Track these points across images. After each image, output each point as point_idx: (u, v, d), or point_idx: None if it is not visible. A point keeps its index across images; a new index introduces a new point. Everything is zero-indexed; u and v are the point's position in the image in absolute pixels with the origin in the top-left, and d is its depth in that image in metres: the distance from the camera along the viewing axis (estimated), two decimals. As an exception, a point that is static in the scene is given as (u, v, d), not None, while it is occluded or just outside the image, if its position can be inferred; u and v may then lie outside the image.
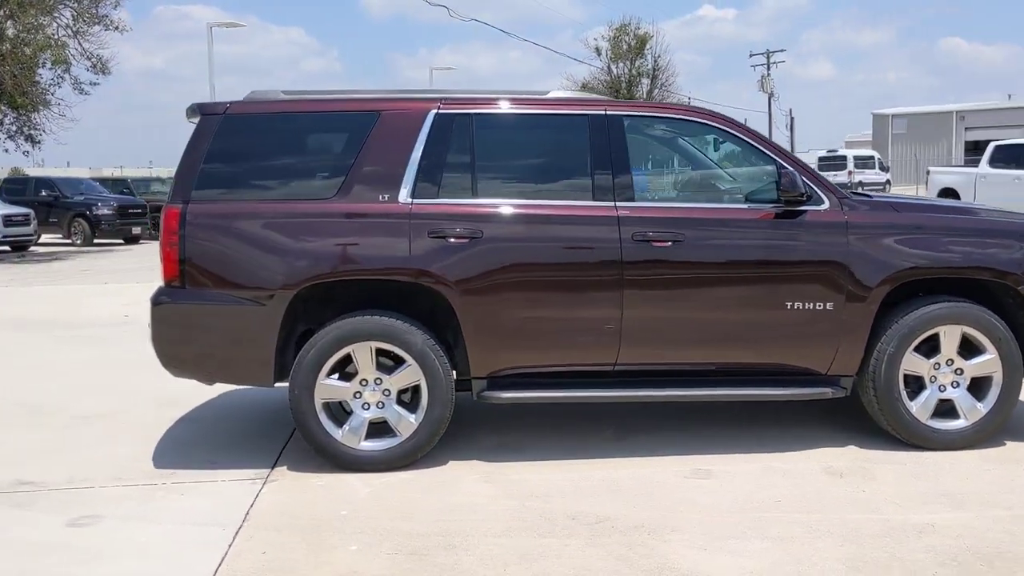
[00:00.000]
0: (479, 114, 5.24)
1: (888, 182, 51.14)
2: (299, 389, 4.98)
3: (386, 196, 5.08)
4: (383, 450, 5.06)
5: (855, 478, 4.86)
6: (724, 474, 4.94)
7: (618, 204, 5.13)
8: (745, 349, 5.22)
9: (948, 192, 21.00)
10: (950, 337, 5.25)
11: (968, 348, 5.30)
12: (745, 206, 5.27)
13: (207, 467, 5.17)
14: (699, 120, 5.42)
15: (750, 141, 5.39)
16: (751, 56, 62.87)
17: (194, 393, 6.38)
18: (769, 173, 5.27)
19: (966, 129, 65.18)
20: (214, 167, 5.10)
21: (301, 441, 5.20)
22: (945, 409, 5.32)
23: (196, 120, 5.19)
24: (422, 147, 5.12)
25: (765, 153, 5.35)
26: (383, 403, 5.08)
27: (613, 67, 55.73)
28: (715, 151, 6.32)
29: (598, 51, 55.44)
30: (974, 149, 61.19)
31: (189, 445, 5.65)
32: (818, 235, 5.17)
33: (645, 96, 54.12)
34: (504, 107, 5.30)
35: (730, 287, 5.16)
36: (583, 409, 6.16)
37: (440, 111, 5.19)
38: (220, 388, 6.52)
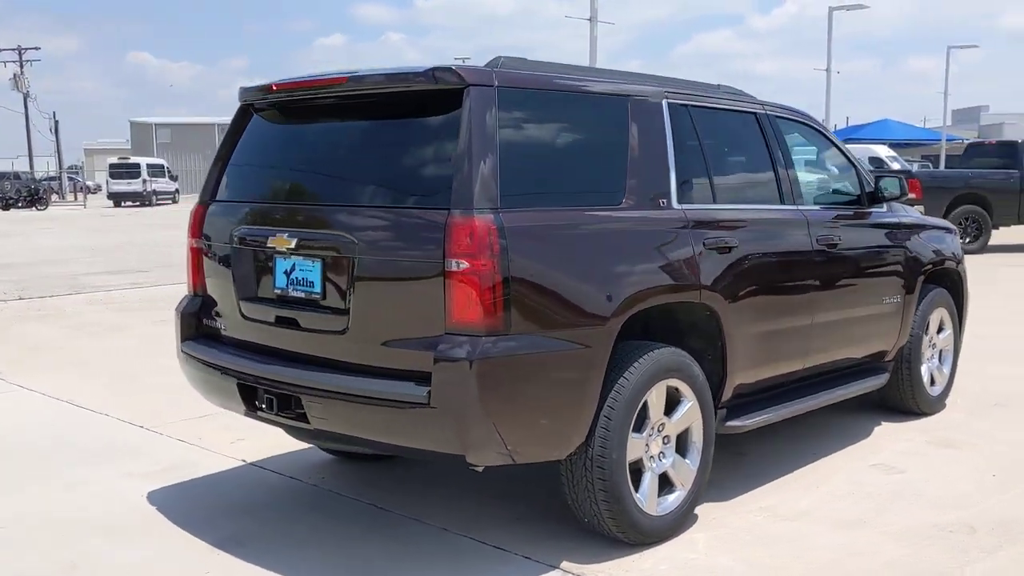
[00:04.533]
0: (699, 107, 4.57)
1: (177, 191, 51.44)
2: (612, 450, 3.83)
3: (664, 201, 4.18)
4: (673, 510, 4.16)
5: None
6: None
7: (800, 207, 5.01)
8: (862, 345, 5.50)
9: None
10: (947, 317, 6.29)
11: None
12: (857, 207, 5.52)
13: None
14: (806, 122, 5.49)
15: (836, 143, 5.66)
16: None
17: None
18: (847, 174, 5.62)
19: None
20: (511, 161, 3.60)
21: (557, 523, 3.97)
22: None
23: (453, 87, 3.60)
24: (672, 142, 4.30)
25: (846, 156, 5.67)
26: (664, 452, 4.16)
27: None
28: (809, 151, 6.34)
29: None
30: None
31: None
32: (894, 232, 5.70)
33: None
34: (715, 101, 4.73)
35: (862, 286, 5.39)
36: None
37: (669, 100, 4.41)
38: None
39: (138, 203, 45.00)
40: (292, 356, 3.96)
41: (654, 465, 4.09)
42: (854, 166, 5.66)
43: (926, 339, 6.11)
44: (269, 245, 3.99)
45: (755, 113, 4.98)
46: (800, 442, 5.52)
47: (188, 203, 47.10)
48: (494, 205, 3.48)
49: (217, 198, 4.49)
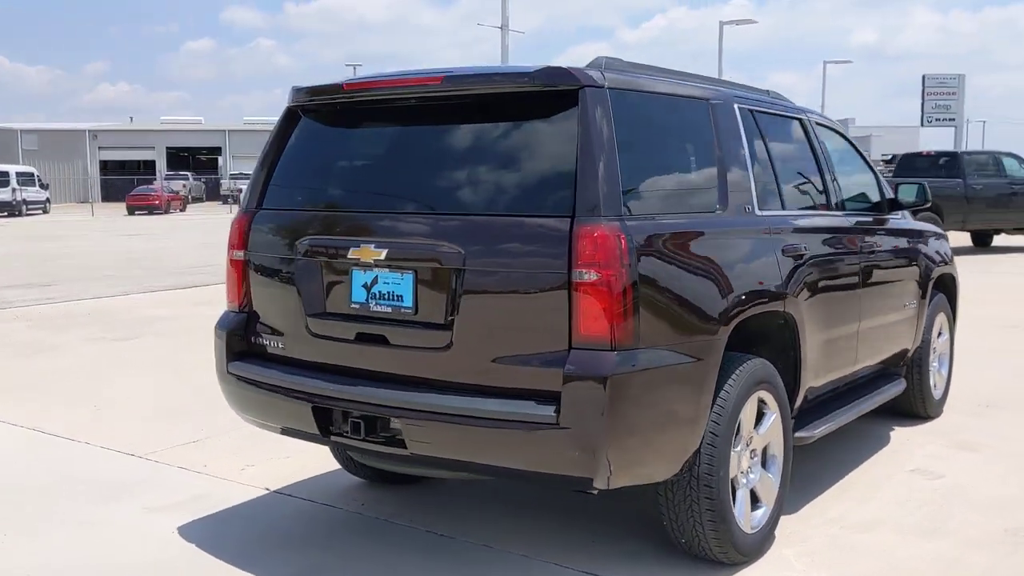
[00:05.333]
0: (760, 112, 4.47)
1: (48, 200, 49.12)
2: (719, 467, 3.67)
3: (748, 207, 4.06)
4: (762, 527, 4.03)
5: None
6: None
7: (848, 213, 5.01)
8: (890, 351, 5.52)
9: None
10: (945, 321, 6.42)
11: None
12: (879, 213, 5.53)
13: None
14: (833, 127, 5.47)
15: (858, 150, 5.66)
16: None
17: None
18: (870, 181, 5.65)
19: (100, 148, 66.06)
20: (625, 165, 3.39)
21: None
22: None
23: (565, 88, 3.39)
24: (747, 145, 4.19)
25: (867, 162, 5.69)
26: (751, 467, 4.03)
27: None
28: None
29: None
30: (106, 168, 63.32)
31: None
32: (910, 238, 5.76)
33: None
34: (770, 106, 4.65)
35: (893, 291, 5.41)
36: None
37: (739, 105, 4.29)
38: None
39: (7, 213, 42.51)
40: (376, 376, 3.65)
41: (744, 481, 3.96)
42: (873, 172, 5.69)
43: (932, 343, 6.20)
44: (350, 256, 3.67)
45: (801, 119, 4.93)
46: (833, 451, 5.48)
47: (61, 213, 45.20)
48: (619, 212, 3.29)
49: (265, 206, 4.13)
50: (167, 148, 67.01)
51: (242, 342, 4.12)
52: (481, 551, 4.09)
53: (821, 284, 4.48)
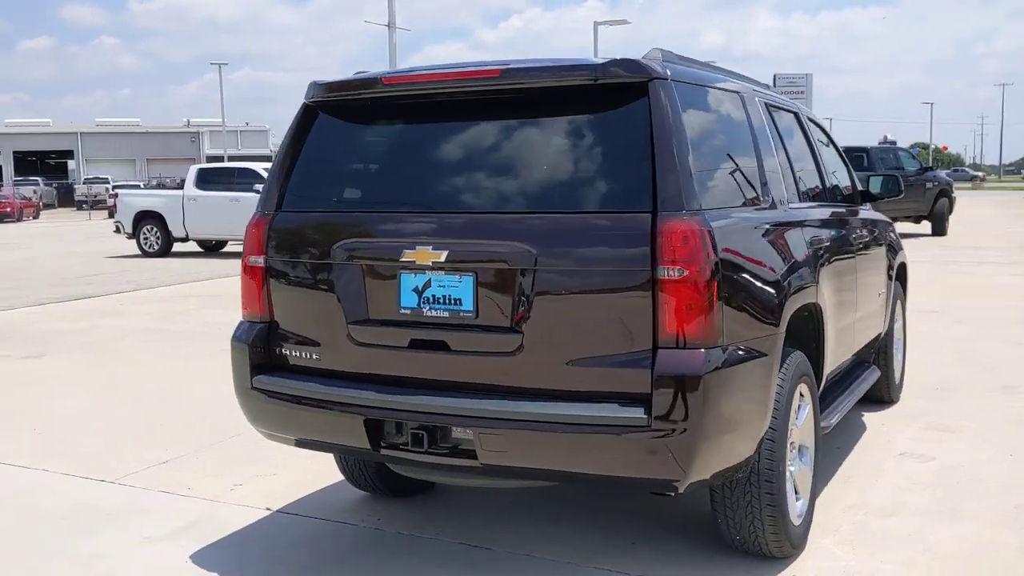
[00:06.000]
0: (774, 106, 4.49)
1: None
2: (778, 461, 3.65)
3: (782, 200, 4.09)
4: (804, 518, 4.03)
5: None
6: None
7: (842, 205, 5.09)
8: (870, 338, 5.63)
9: (149, 215, 20.60)
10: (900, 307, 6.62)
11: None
12: (853, 204, 5.64)
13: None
14: (814, 120, 5.54)
15: (834, 141, 5.76)
16: None
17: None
18: (844, 173, 5.76)
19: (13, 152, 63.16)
20: (699, 159, 3.32)
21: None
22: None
23: (634, 80, 3.28)
24: (772, 138, 4.20)
25: (840, 153, 5.80)
26: (792, 459, 4.03)
27: None
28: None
29: None
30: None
31: None
32: (879, 228, 5.91)
33: None
34: (777, 99, 4.67)
35: (874, 280, 5.53)
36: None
37: (759, 98, 4.29)
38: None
39: None
40: (434, 384, 3.46)
41: (789, 474, 3.95)
42: (846, 163, 5.81)
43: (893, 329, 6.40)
44: (404, 259, 3.45)
45: (796, 112, 4.97)
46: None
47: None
48: (699, 206, 3.21)
49: (285, 208, 3.86)
50: (14, 152, 63.51)
51: (264, 354, 3.85)
52: (523, 560, 3.94)
53: (833, 274, 4.53)
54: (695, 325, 3.13)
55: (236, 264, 18.06)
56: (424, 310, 3.47)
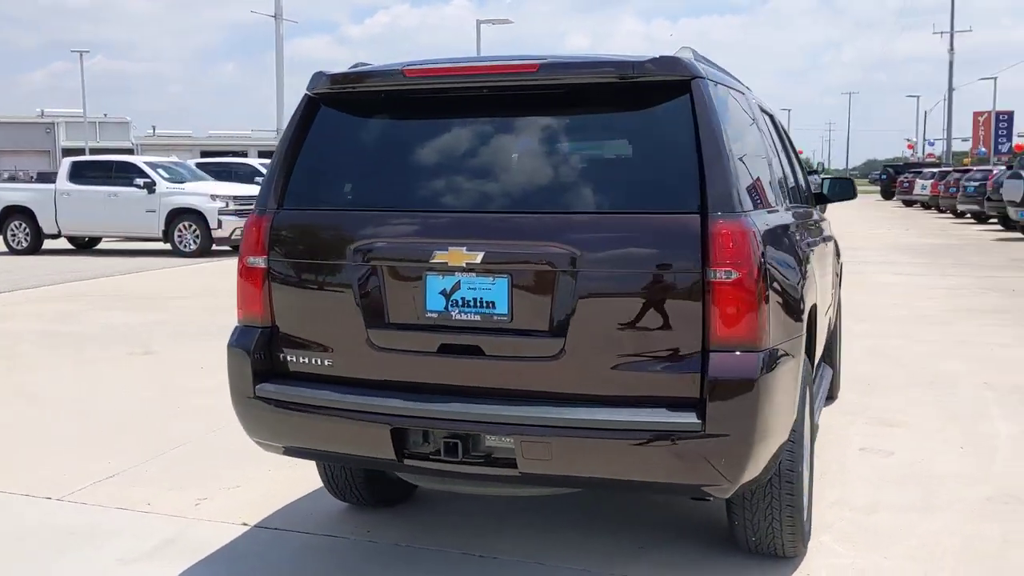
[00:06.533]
0: (760, 108, 4.51)
1: None
2: (799, 463, 3.68)
3: (787, 202, 4.11)
4: (809, 517, 4.07)
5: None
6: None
7: (813, 206, 5.17)
8: (827, 340, 5.77)
9: (17, 210, 19.42)
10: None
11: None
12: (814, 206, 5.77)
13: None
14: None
15: (792, 143, 5.87)
16: None
17: None
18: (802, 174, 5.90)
19: None
20: (734, 161, 3.28)
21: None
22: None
23: (676, 78, 3.23)
24: (772, 140, 4.24)
25: (799, 158, 5.92)
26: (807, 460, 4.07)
27: None
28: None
29: None
30: None
31: None
32: (829, 230, 6.06)
33: None
34: (756, 99, 4.67)
35: (832, 280, 5.66)
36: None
37: (751, 98, 4.31)
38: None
39: None
40: (465, 391, 3.31)
41: (805, 474, 3.99)
42: (801, 165, 5.94)
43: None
44: (435, 260, 3.29)
45: (772, 115, 5.03)
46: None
47: None
48: (744, 207, 3.18)
49: (287, 206, 3.63)
50: None
51: (266, 361, 3.62)
52: (535, 568, 3.84)
53: (817, 274, 4.60)
54: (745, 328, 3.10)
55: (116, 262, 17.48)
56: (452, 313, 3.32)
